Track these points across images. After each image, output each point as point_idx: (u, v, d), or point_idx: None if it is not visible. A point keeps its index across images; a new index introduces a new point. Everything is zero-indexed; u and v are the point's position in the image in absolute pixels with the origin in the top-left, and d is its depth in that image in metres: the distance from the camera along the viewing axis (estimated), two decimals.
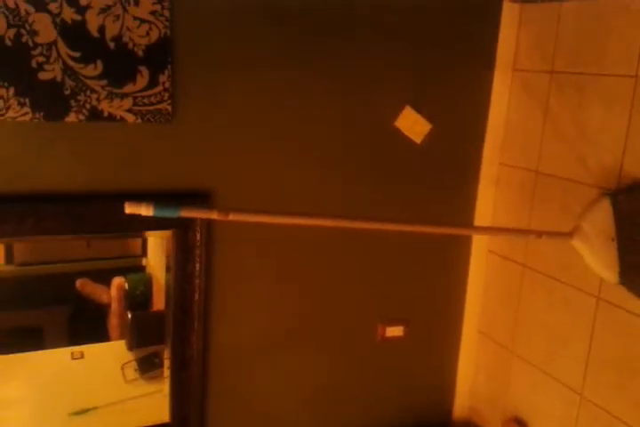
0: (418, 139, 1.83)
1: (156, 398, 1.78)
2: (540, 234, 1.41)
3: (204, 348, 1.72)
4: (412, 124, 1.80)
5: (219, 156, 1.65)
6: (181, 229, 1.60)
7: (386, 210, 1.89)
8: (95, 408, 1.72)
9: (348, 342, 1.99)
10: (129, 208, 1.03)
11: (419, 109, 1.83)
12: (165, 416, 1.78)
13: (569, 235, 1.43)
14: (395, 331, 2.05)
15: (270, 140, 1.70)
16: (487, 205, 2.03)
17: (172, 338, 1.68)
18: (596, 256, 1.43)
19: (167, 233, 1.63)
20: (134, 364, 1.82)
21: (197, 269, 1.63)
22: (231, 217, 1.11)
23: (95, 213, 1.48)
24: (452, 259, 2.06)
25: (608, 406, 1.60)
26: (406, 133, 1.82)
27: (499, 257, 2.03)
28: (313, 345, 1.93)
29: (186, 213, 1.09)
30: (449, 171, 1.95)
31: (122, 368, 1.82)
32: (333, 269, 1.89)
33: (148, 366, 1.81)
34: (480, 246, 2.08)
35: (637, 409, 1.51)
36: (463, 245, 2.07)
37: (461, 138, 1.94)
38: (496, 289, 2.04)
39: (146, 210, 1.03)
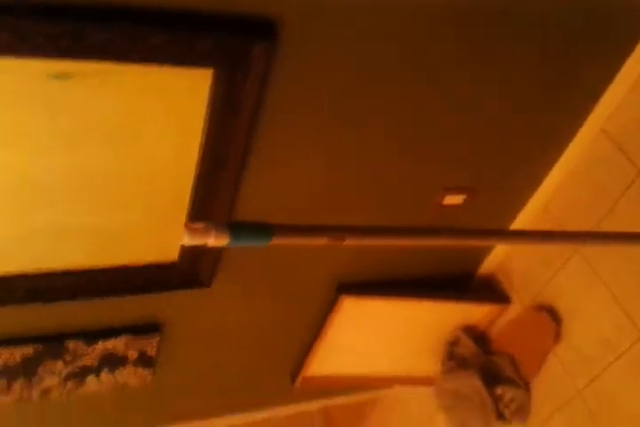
0: None
1: None
2: None
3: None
4: None
5: None
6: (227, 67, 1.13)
7: None
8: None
9: (402, 204, 1.75)
10: (190, 234, 0.65)
11: None
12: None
13: None
14: (454, 199, 1.80)
15: None
16: None
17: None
18: None
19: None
20: None
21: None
22: (347, 242, 0.73)
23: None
24: (551, 133, 1.67)
25: None
26: None
27: (610, 143, 1.64)
28: (365, 205, 1.69)
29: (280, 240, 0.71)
30: None
31: None
32: (404, 124, 1.50)
33: None
34: (593, 124, 1.67)
35: None
36: (572, 119, 1.65)
37: None
38: (589, 176, 1.71)
39: (217, 239, 0.65)
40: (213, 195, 1.49)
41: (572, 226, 1.81)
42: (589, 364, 1.73)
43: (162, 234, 1.59)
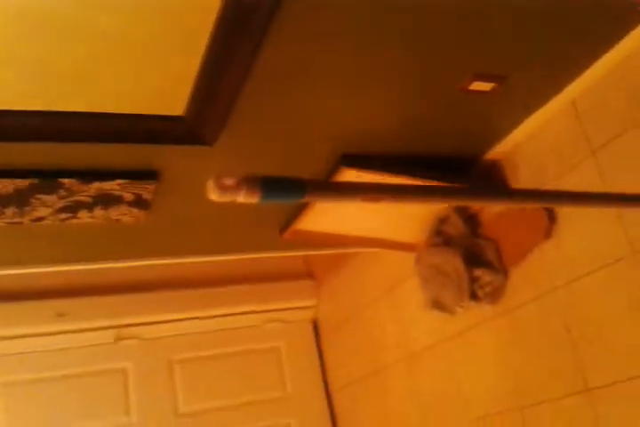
0: None
1: None
2: None
3: None
4: None
5: None
6: None
7: None
8: None
9: (430, 87, 1.64)
10: (220, 190, 0.58)
11: None
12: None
13: None
14: (482, 86, 1.68)
15: None
16: None
17: None
18: None
19: None
20: None
21: None
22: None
23: None
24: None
25: None
26: None
27: None
28: (389, 83, 1.58)
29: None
30: None
31: None
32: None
33: None
34: None
35: None
36: None
37: None
38: (627, 79, 1.59)
39: (247, 195, 0.59)
40: (229, 57, 1.37)
41: (594, 129, 1.72)
42: (572, 266, 1.78)
43: (168, 84, 1.51)
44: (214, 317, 3.20)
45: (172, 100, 1.55)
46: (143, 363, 3.06)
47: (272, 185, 0.67)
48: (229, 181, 0.64)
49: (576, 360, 1.77)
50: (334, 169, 1.93)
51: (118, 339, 3.06)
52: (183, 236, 2.29)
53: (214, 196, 0.64)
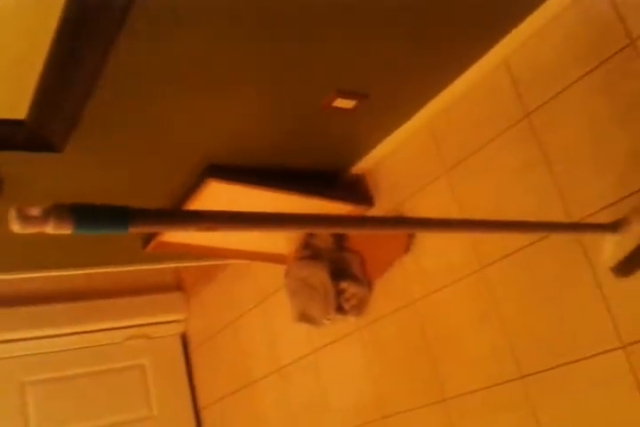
0: None
1: None
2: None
3: None
4: None
5: None
6: None
7: None
8: None
9: (293, 103, 1.62)
10: (21, 221, 0.50)
11: None
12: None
13: (612, 227, 1.11)
14: (345, 103, 1.69)
15: None
16: None
17: None
18: (614, 246, 1.17)
19: None
20: None
21: None
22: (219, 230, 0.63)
23: None
24: (450, 54, 1.57)
25: None
26: None
27: (508, 77, 1.58)
28: (253, 94, 1.54)
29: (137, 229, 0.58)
30: None
31: None
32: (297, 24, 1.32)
33: None
34: (497, 53, 1.59)
35: None
36: (475, 45, 1.56)
37: None
38: (478, 104, 1.68)
39: (57, 226, 0.52)
40: (75, 58, 1.27)
41: (447, 148, 1.79)
42: (429, 280, 1.84)
43: (9, 85, 1.37)
44: (72, 334, 2.98)
45: (13, 102, 1.42)
46: None
47: (86, 214, 0.60)
48: (34, 211, 0.56)
49: (434, 371, 1.83)
50: (200, 180, 1.86)
51: None
52: (37, 249, 2.11)
53: (16, 227, 0.56)
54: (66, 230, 0.59)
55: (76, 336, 3.00)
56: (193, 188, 1.88)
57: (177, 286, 3.34)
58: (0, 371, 2.83)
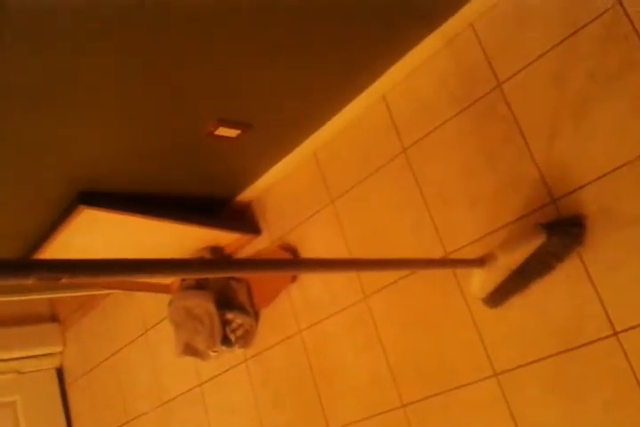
0: None
1: None
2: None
3: None
4: None
5: None
6: None
7: None
8: None
9: (173, 125, 1.57)
10: None
11: None
12: None
13: (480, 262, 1.16)
14: (228, 132, 1.67)
15: None
16: None
17: None
18: (482, 279, 1.23)
19: None
20: None
21: None
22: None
23: None
24: (332, 89, 1.60)
25: None
26: None
27: (386, 112, 1.63)
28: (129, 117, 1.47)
29: None
30: None
31: None
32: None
33: None
34: (377, 89, 1.64)
35: None
36: (356, 80, 1.60)
37: None
38: (360, 138, 1.72)
39: None
40: None
41: (333, 179, 1.81)
42: (314, 310, 1.84)
43: None
44: None
45: None
46: None
47: None
48: None
49: (318, 402, 1.82)
50: (71, 207, 1.75)
51: None
52: None
53: None
54: None
55: None
56: (63, 216, 1.77)
57: (51, 316, 3.11)
58: None
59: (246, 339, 2.08)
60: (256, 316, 2.07)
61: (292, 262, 1.00)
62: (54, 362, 3.05)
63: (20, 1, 1.05)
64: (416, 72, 1.59)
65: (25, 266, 0.63)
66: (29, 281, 0.62)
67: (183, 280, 2.25)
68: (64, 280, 0.64)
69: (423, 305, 1.57)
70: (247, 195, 2.06)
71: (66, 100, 1.35)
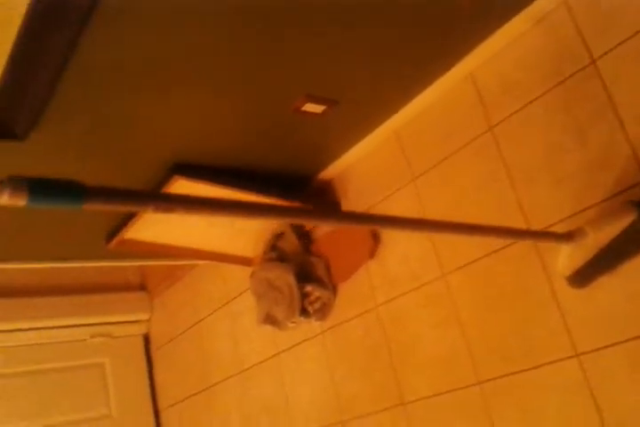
0: None
1: None
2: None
3: None
4: None
5: None
6: None
7: None
8: None
9: (261, 101, 1.63)
10: None
11: None
12: None
13: (568, 237, 1.15)
14: (314, 108, 1.71)
15: None
16: None
17: None
18: (569, 256, 1.21)
19: None
20: None
21: None
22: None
23: None
24: (419, 66, 1.61)
25: None
26: None
27: (474, 89, 1.62)
28: (221, 93, 1.55)
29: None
30: None
31: None
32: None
33: None
34: (464, 66, 1.63)
35: None
36: (443, 57, 1.60)
37: None
38: (445, 115, 1.71)
39: (12, 197, 0.54)
40: (40, 48, 1.26)
41: (415, 157, 1.83)
42: (391, 286, 1.87)
43: None
44: (32, 329, 2.93)
45: None
46: None
47: (41, 187, 0.61)
48: None
49: (393, 375, 1.86)
50: (167, 178, 1.85)
51: None
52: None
53: None
54: (20, 202, 0.60)
55: (36, 332, 2.95)
56: (159, 185, 1.88)
57: (141, 285, 3.31)
58: None
59: (324, 311, 2.14)
60: (334, 290, 2.12)
61: (375, 217, 1.02)
62: (142, 329, 3.24)
63: None
64: (505, 50, 1.58)
65: (145, 196, 0.70)
66: (149, 209, 0.69)
67: (265, 253, 2.34)
68: (177, 211, 0.70)
69: (504, 284, 1.57)
70: (329, 173, 2.10)
71: (169, 79, 1.44)
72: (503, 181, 1.57)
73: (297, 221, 0.95)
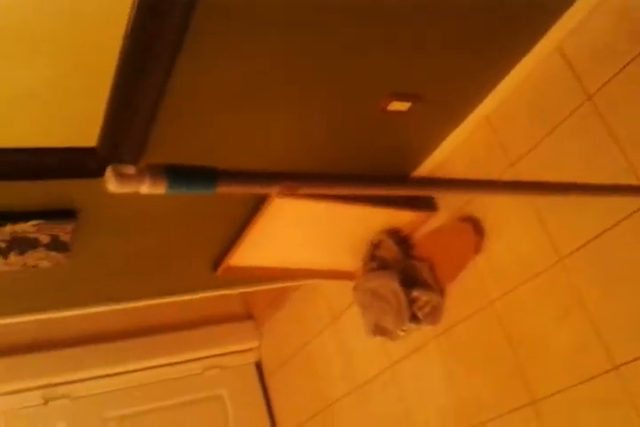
0: None
1: None
2: None
3: None
4: None
5: None
6: None
7: None
8: None
9: (347, 106, 1.64)
10: (117, 180, 0.54)
11: None
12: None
13: None
14: (400, 106, 1.71)
15: None
16: None
17: None
18: None
19: None
20: None
21: None
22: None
23: None
24: (503, 45, 1.58)
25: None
26: None
27: (564, 64, 1.57)
28: (307, 105, 1.59)
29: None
30: None
31: None
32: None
33: None
34: (550, 40, 1.58)
35: None
36: (528, 32, 1.56)
37: None
38: (536, 94, 1.66)
39: (152, 186, 0.55)
40: (139, 83, 1.33)
41: (509, 142, 1.77)
42: (504, 278, 1.79)
43: (78, 115, 1.45)
44: (148, 368, 3.03)
45: (83, 130, 1.49)
46: (75, 424, 2.85)
47: (179, 174, 0.63)
48: (130, 170, 0.59)
49: (520, 372, 1.76)
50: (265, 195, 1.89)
51: (47, 400, 2.84)
52: (108, 280, 2.17)
53: (112, 186, 0.58)
54: (160, 190, 0.62)
55: (152, 370, 3.04)
56: (259, 202, 1.92)
57: (247, 314, 3.36)
58: (81, 409, 2.89)
59: (435, 315, 2.07)
60: (442, 292, 2.06)
61: (486, 183, 0.99)
62: (253, 357, 3.27)
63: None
64: (591, 15, 1.52)
65: (271, 177, 0.71)
66: (275, 190, 0.70)
67: (365, 264, 2.32)
68: (301, 191, 0.71)
69: (628, 258, 1.46)
70: (423, 170, 2.07)
71: (258, 98, 1.48)
72: (612, 150, 1.49)
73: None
